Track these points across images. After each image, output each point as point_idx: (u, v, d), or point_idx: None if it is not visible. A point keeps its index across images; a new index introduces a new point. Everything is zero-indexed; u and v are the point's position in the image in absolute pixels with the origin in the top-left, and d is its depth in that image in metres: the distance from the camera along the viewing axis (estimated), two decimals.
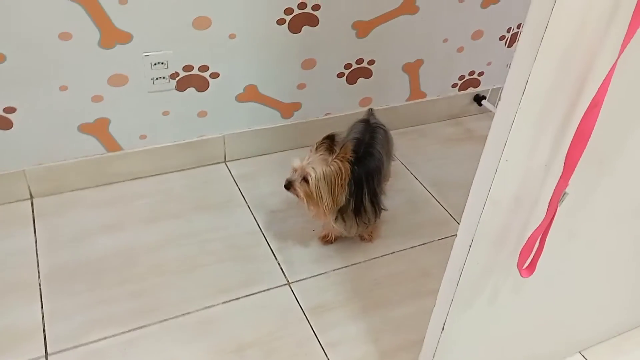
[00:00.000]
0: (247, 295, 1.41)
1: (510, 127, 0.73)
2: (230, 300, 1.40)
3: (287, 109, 1.84)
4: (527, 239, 0.85)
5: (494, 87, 2.11)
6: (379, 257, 1.55)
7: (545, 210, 0.81)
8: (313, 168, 1.33)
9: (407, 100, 2.03)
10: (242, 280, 1.45)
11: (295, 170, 1.36)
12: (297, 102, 1.84)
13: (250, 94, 1.75)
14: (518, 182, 0.82)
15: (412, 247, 1.59)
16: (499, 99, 0.77)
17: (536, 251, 0.87)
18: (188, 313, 1.36)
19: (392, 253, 1.57)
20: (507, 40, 2.03)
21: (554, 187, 0.78)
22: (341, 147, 1.33)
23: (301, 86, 1.80)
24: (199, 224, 1.61)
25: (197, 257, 1.51)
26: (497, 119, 0.76)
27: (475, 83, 2.11)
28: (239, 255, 1.52)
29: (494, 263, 0.92)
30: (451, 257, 0.93)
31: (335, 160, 1.33)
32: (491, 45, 2.02)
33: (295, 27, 1.66)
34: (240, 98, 1.75)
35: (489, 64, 2.07)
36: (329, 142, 1.36)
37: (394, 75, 1.93)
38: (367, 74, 1.88)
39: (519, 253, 0.86)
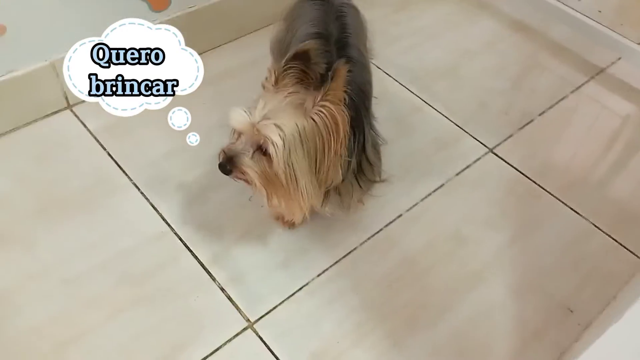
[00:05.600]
0: None
1: None
2: None
3: None
4: None
5: None
6: (382, 228, 0.93)
7: None
8: (277, 126, 0.63)
9: None
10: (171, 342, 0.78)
11: (238, 133, 0.66)
12: None
13: None
14: None
15: (424, 198, 0.98)
16: None
17: None
18: None
19: (399, 217, 0.95)
20: None
21: None
22: (332, 73, 0.63)
23: None
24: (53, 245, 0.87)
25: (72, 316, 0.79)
26: None
27: None
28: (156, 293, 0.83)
29: None
30: None
31: (322, 103, 0.63)
32: None
33: None
34: None
35: None
36: (302, 64, 0.65)
37: None
38: None
39: None
